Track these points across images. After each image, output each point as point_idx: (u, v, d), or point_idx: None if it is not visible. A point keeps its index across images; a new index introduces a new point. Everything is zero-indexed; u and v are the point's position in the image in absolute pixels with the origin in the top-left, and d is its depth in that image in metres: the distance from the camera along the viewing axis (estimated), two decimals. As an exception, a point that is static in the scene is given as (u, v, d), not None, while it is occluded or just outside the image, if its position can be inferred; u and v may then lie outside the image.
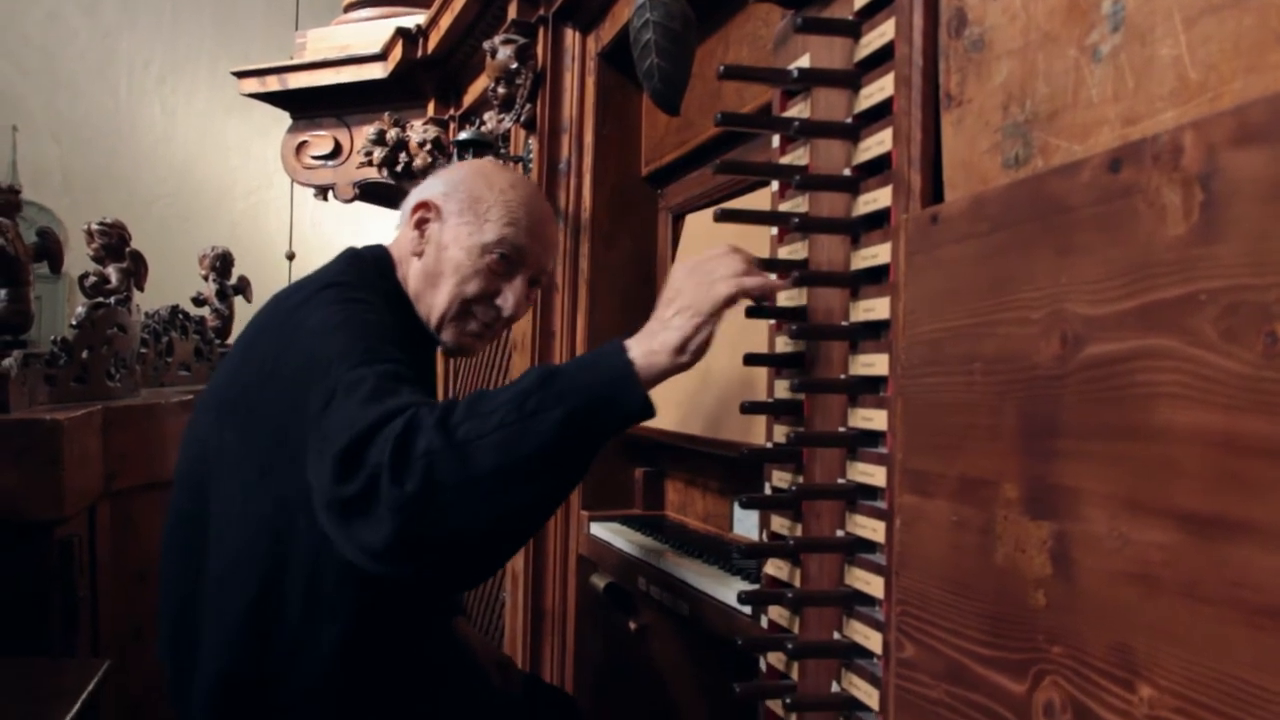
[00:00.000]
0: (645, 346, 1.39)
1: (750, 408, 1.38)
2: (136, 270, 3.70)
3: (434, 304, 1.82)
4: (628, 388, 1.38)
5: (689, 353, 1.39)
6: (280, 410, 1.54)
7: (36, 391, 2.70)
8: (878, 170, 1.22)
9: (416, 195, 1.88)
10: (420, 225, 1.84)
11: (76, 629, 2.55)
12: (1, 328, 2.66)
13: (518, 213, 1.81)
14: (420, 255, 1.83)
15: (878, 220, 1.21)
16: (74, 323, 3.06)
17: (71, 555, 2.53)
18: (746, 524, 2.05)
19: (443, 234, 1.81)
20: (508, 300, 1.84)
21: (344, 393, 1.41)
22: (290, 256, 7.41)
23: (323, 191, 4.21)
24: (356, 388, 1.41)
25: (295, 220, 8.39)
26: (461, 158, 2.80)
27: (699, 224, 2.37)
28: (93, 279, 3.57)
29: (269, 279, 6.27)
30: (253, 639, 1.58)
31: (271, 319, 1.69)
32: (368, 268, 1.81)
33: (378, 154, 3.89)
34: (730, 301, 1.37)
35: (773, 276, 1.38)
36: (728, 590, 1.74)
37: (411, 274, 1.84)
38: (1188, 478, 0.69)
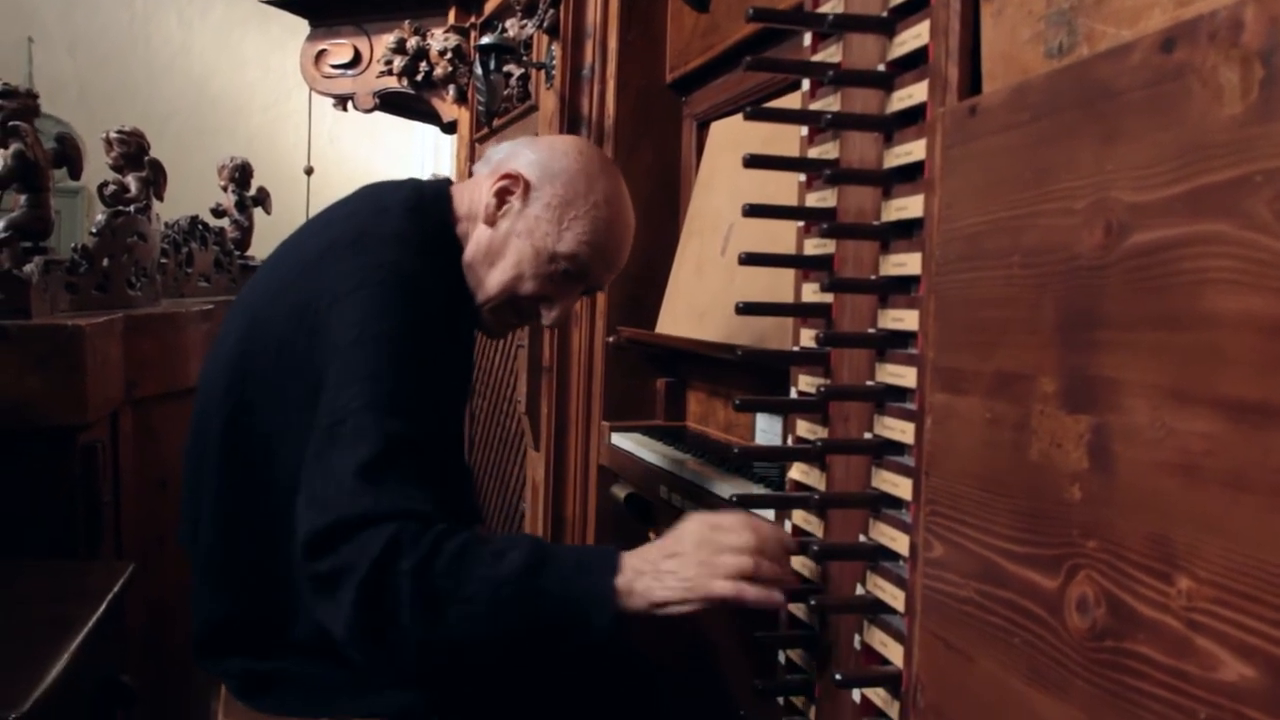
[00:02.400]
0: (632, 581, 1.36)
1: (746, 308, 1.33)
2: (156, 179, 3.68)
3: (484, 283, 1.75)
4: (602, 613, 1.35)
5: (666, 612, 1.36)
6: (309, 373, 1.53)
7: (58, 299, 2.70)
8: (913, 65, 1.19)
9: (511, 158, 1.78)
10: (502, 194, 1.74)
11: (100, 534, 2.58)
12: (22, 234, 2.65)
13: (601, 235, 1.74)
14: (492, 225, 1.75)
15: (912, 116, 1.18)
16: (94, 230, 3.05)
17: (94, 462, 2.54)
18: (770, 434, 2.04)
19: (520, 219, 1.73)
20: (554, 311, 1.80)
21: (350, 439, 1.41)
22: (308, 171, 7.38)
23: (342, 101, 4.16)
24: (361, 441, 1.40)
25: (313, 135, 8.34)
26: (485, 63, 2.76)
27: (724, 131, 2.34)
28: (112, 188, 3.55)
29: (287, 194, 6.26)
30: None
31: (317, 271, 1.60)
32: (430, 223, 1.72)
33: (398, 63, 3.85)
34: (724, 601, 1.34)
35: (778, 595, 1.34)
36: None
37: (474, 237, 1.76)
38: (1235, 365, 0.67)
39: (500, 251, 1.74)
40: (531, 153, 1.77)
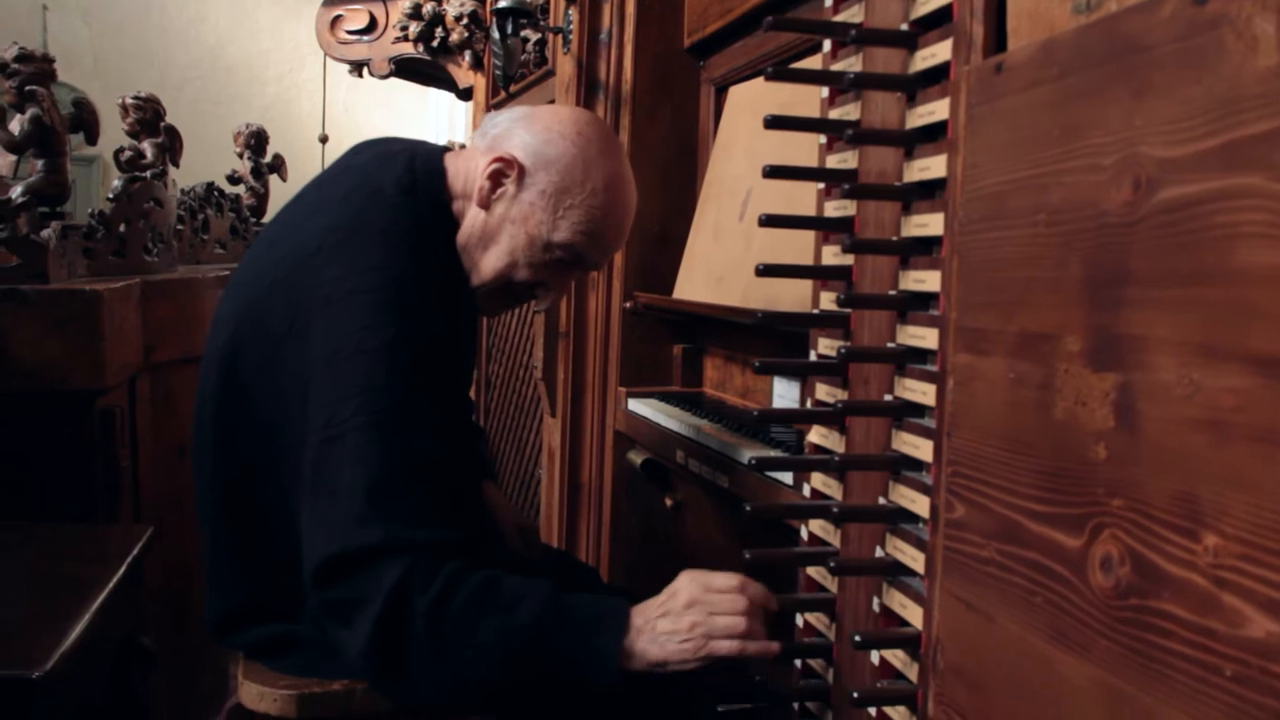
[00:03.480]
0: (633, 642, 1.38)
1: (765, 270, 1.32)
2: (172, 145, 3.68)
3: (478, 267, 1.70)
4: (605, 673, 1.37)
5: (666, 671, 1.38)
6: (299, 368, 1.51)
7: (75, 264, 2.70)
8: (937, 24, 1.18)
9: (506, 138, 1.70)
10: (496, 177, 1.67)
11: (119, 498, 2.59)
12: (39, 199, 2.65)
13: (598, 224, 1.68)
14: (485, 208, 1.68)
15: (935, 76, 1.17)
16: (111, 196, 3.05)
17: (113, 426, 2.55)
18: (788, 400, 2.03)
19: (514, 205, 1.67)
20: (549, 296, 1.79)
21: (352, 456, 1.40)
22: (323, 140, 7.37)
23: (358, 67, 4.14)
24: (364, 460, 1.40)
25: (328, 103, 8.32)
26: (501, 28, 2.74)
27: (742, 95, 2.32)
28: (128, 154, 3.55)
29: (302, 163, 6.24)
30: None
31: (311, 268, 1.55)
32: (423, 204, 1.66)
33: (414, 28, 3.83)
34: (718, 661, 1.37)
35: (775, 646, 1.37)
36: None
37: (468, 218, 1.70)
38: (1266, 320, 0.67)
39: (494, 236, 1.69)
40: (527, 134, 1.69)
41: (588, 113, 1.82)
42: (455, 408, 1.70)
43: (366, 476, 1.39)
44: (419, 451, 1.44)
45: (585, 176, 1.66)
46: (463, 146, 1.83)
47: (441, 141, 2.26)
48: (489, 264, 1.70)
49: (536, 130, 1.69)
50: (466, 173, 1.71)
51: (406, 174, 1.67)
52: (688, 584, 1.41)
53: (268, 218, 4.88)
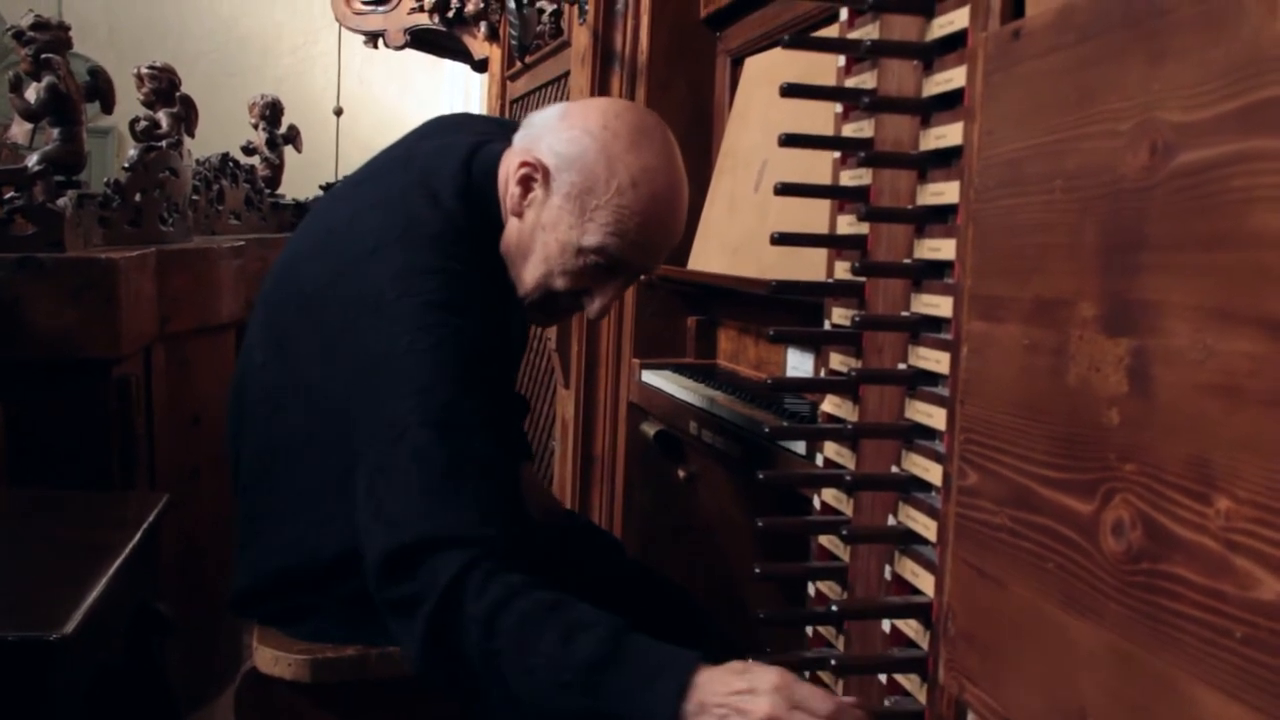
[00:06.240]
0: (695, 715, 1.23)
1: (781, 239, 1.32)
2: (187, 116, 3.68)
3: (520, 278, 1.66)
4: None
5: None
6: (343, 384, 1.52)
7: (91, 233, 2.71)
8: (954, -9, 1.17)
9: (537, 139, 1.63)
10: (525, 183, 1.61)
11: (135, 466, 2.61)
12: (55, 167, 2.65)
13: (628, 223, 1.57)
14: (519, 216, 1.63)
15: (953, 43, 1.17)
16: (126, 165, 3.06)
17: (129, 394, 2.56)
18: (801, 371, 2.04)
19: (544, 211, 1.61)
20: (595, 304, 1.68)
21: (412, 454, 1.40)
22: (338, 112, 7.36)
23: (373, 38, 4.13)
24: (425, 459, 1.40)
25: (342, 76, 8.31)
26: (517, -2, 2.73)
27: (758, 66, 2.32)
28: (144, 124, 3.56)
29: (317, 136, 6.24)
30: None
31: (365, 268, 1.54)
32: (478, 211, 1.63)
33: (429, -1, 3.83)
34: None
35: None
36: (784, 432, 1.73)
37: (508, 228, 1.66)
38: (1282, 284, 0.67)
39: (529, 245, 1.63)
40: (554, 134, 1.62)
41: (623, 103, 1.76)
42: (504, 405, 1.71)
43: (426, 474, 1.39)
44: (476, 451, 1.44)
45: (610, 173, 1.57)
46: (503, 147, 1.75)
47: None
48: (528, 275, 1.65)
49: (562, 129, 1.62)
50: (506, 176, 1.65)
51: (462, 174, 1.64)
52: (772, 693, 1.21)
53: (283, 188, 4.90)
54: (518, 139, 1.68)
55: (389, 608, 1.39)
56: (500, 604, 1.31)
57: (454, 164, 1.64)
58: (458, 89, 9.74)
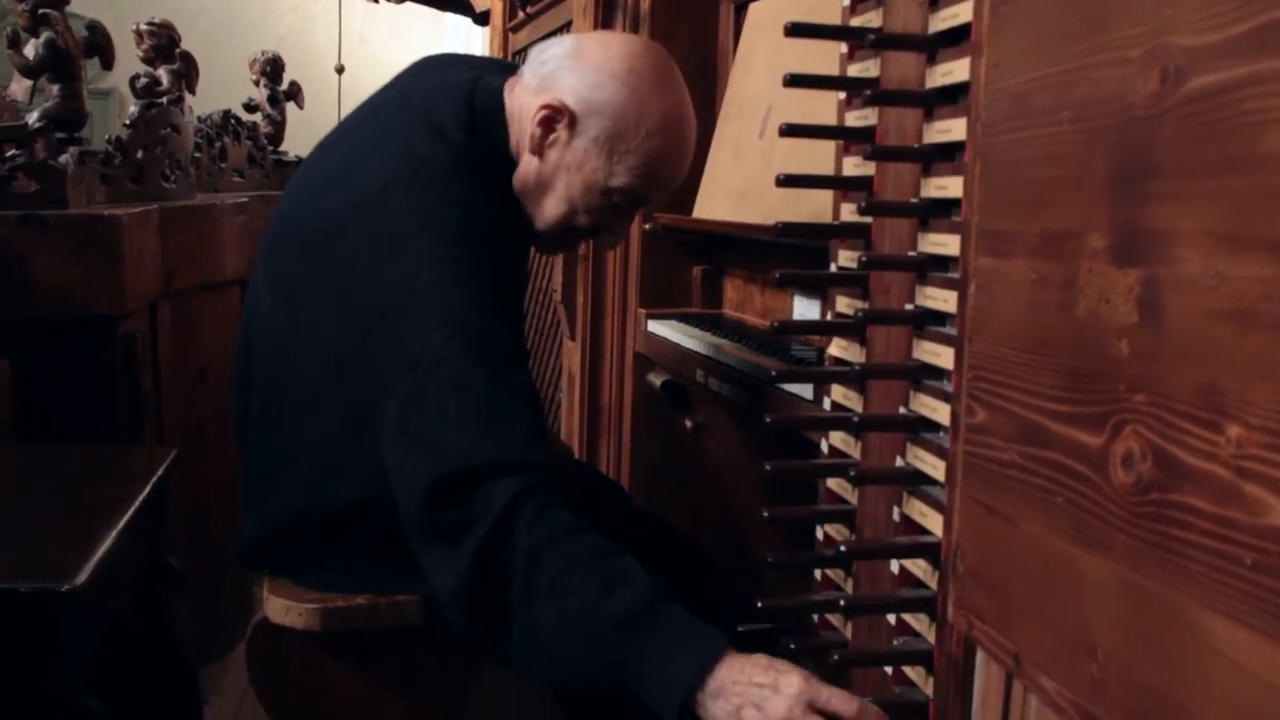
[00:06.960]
0: (713, 696, 1.23)
1: (787, 180, 1.31)
2: (187, 72, 3.66)
3: (538, 213, 1.69)
4: (668, 704, 1.25)
5: None
6: (365, 324, 1.51)
7: (93, 190, 2.70)
8: (961, -76, 1.16)
9: (555, 80, 1.64)
10: (547, 124, 1.62)
11: (142, 422, 2.61)
12: (56, 124, 2.64)
13: (655, 166, 1.63)
14: (539, 155, 1.64)
15: (959, -23, 1.15)
16: (127, 122, 3.04)
17: (135, 350, 2.56)
18: (808, 317, 2.03)
19: (568, 152, 1.63)
20: (609, 238, 1.80)
21: (452, 385, 1.40)
22: (340, 70, 7.32)
23: (373, -8, 4.11)
24: (465, 390, 1.40)
25: (343, 34, 8.25)
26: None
27: (762, 12, 2.29)
28: (144, 80, 3.54)
29: (318, 95, 6.21)
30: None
31: (378, 208, 1.54)
32: (483, 144, 1.63)
33: (429, -49, 3.79)
34: None
35: None
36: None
37: (523, 162, 1.67)
38: (1295, 206, 0.66)
39: (550, 183, 1.66)
40: (575, 76, 1.63)
41: (640, 42, 1.78)
42: (523, 335, 1.72)
43: (473, 401, 1.40)
44: (516, 379, 1.46)
45: (640, 118, 1.60)
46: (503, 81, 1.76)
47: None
48: (548, 211, 1.68)
49: (585, 71, 1.63)
50: (520, 113, 1.66)
51: (466, 109, 1.64)
52: (794, 697, 1.20)
53: (285, 145, 4.87)
54: (529, 76, 1.68)
55: (433, 535, 1.39)
56: (550, 541, 1.33)
57: (457, 99, 1.64)
58: (459, 46, 9.68)
